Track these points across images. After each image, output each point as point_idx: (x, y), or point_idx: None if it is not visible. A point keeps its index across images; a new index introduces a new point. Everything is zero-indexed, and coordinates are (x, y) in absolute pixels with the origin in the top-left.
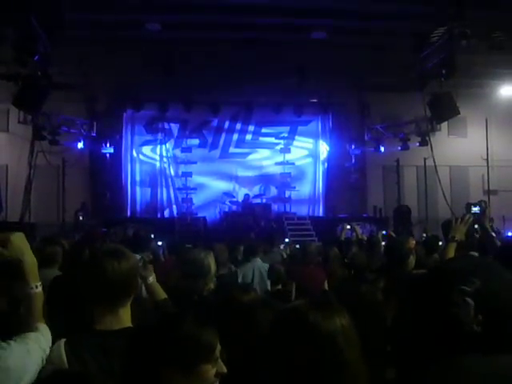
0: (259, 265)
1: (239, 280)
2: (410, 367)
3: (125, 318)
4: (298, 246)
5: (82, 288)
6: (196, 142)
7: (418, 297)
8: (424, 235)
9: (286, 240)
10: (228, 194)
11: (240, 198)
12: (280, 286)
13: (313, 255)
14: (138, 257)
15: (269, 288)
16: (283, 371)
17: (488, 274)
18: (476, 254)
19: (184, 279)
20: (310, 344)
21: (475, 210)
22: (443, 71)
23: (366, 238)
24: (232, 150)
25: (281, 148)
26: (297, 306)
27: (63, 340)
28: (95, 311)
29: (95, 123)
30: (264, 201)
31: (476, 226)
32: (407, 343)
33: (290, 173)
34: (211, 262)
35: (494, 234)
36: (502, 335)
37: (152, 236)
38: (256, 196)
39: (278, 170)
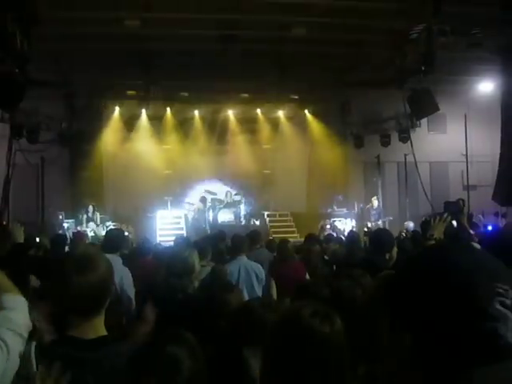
0: (245, 262)
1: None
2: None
3: (99, 326)
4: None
5: (52, 299)
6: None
7: (432, 304)
8: (404, 232)
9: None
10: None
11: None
12: None
13: (290, 252)
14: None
15: (255, 286)
16: (276, 371)
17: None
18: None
19: (169, 277)
20: (304, 347)
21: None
22: (422, 68)
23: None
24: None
25: None
26: (293, 310)
27: (33, 344)
28: (68, 319)
29: (74, 121)
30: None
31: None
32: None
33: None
34: (195, 260)
35: (472, 232)
36: None
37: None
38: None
39: None
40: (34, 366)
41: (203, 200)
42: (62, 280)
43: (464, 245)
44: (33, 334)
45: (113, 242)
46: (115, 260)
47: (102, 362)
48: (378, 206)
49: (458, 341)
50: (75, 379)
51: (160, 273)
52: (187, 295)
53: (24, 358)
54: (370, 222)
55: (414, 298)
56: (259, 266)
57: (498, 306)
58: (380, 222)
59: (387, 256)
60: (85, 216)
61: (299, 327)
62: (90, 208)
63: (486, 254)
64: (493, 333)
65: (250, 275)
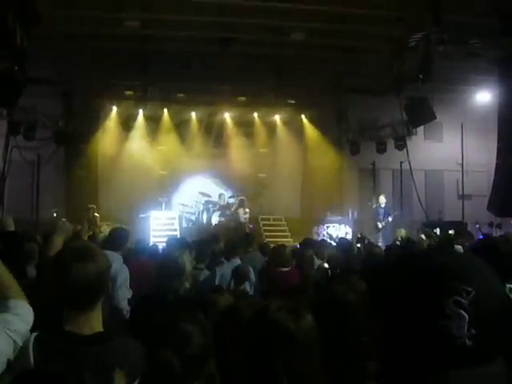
0: (238, 265)
1: (217, 280)
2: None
3: (95, 321)
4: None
5: (50, 290)
6: None
7: (399, 301)
8: (399, 239)
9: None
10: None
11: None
12: (243, 287)
13: (286, 257)
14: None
15: (247, 289)
16: (247, 364)
17: (481, 281)
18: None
19: (159, 278)
20: (271, 342)
21: None
22: (420, 76)
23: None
24: None
25: None
26: (262, 307)
27: (33, 335)
28: (65, 312)
29: (71, 119)
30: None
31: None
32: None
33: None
34: (186, 260)
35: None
36: (492, 348)
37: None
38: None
39: None
40: (32, 359)
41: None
42: (59, 268)
43: (444, 247)
44: None
45: (116, 239)
46: (116, 257)
47: (97, 357)
48: (386, 203)
49: (416, 340)
50: (71, 374)
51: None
52: (178, 296)
53: (22, 350)
54: (380, 221)
55: (388, 295)
56: (251, 269)
57: (452, 305)
58: (390, 219)
59: None
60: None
61: (265, 321)
62: (90, 210)
63: (464, 256)
64: (446, 332)
65: None
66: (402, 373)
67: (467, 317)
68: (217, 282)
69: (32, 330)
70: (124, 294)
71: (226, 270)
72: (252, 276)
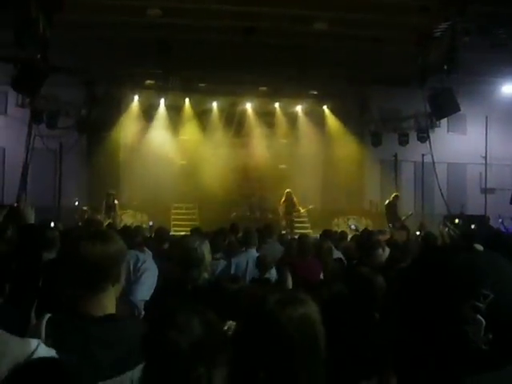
0: (254, 255)
1: (232, 270)
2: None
3: (107, 304)
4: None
5: (61, 269)
6: None
7: (413, 302)
8: (418, 232)
9: (283, 232)
10: None
11: None
12: (268, 275)
13: (309, 248)
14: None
15: None
16: (249, 357)
17: (501, 284)
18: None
19: (178, 269)
20: (267, 331)
21: None
22: (445, 67)
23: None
24: None
25: None
26: (260, 296)
27: (46, 317)
28: (76, 294)
29: (93, 108)
30: None
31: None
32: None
33: None
34: (205, 250)
35: None
36: (509, 352)
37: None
38: None
39: None
40: (44, 341)
41: None
42: (68, 247)
43: (463, 247)
44: None
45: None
46: (150, 256)
47: (108, 335)
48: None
49: (430, 345)
50: (82, 355)
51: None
52: (196, 287)
53: (34, 332)
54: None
55: (407, 296)
56: None
57: (469, 310)
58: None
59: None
60: (104, 204)
61: (262, 311)
62: (110, 196)
63: (483, 256)
64: (461, 336)
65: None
66: (416, 378)
67: (484, 321)
68: (232, 272)
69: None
70: (143, 295)
71: (241, 259)
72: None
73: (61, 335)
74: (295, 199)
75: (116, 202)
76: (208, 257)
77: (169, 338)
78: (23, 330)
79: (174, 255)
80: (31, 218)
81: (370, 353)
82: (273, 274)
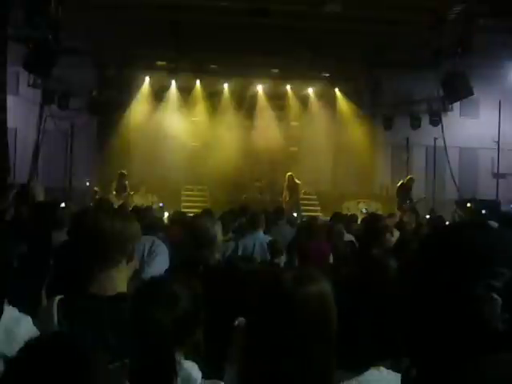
0: (261, 238)
1: (239, 252)
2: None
3: (119, 283)
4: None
5: (76, 246)
6: None
7: (427, 282)
8: (428, 216)
9: (294, 214)
10: None
11: None
12: (281, 260)
13: (318, 230)
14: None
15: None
16: (263, 335)
17: None
18: (495, 223)
19: (189, 249)
20: (284, 309)
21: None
22: (459, 50)
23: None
24: None
25: None
26: (275, 275)
27: (57, 298)
28: (89, 272)
29: (104, 89)
30: None
31: None
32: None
33: None
34: (217, 231)
35: None
36: None
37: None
38: None
39: None
40: (55, 320)
41: None
42: (78, 223)
43: (478, 224)
44: None
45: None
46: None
47: (120, 315)
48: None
49: (446, 325)
50: (95, 334)
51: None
52: (208, 267)
53: (45, 313)
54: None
55: (419, 276)
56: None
57: (485, 288)
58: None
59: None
60: (114, 185)
61: (277, 288)
62: (123, 177)
63: (498, 232)
64: (478, 316)
65: (264, 250)
66: (431, 359)
67: (500, 300)
68: (239, 254)
69: (59, 293)
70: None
71: (248, 242)
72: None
73: (73, 316)
74: (297, 181)
75: (127, 182)
76: (220, 237)
77: (152, 316)
78: (33, 308)
79: (186, 235)
80: (41, 196)
81: (383, 335)
82: (282, 259)
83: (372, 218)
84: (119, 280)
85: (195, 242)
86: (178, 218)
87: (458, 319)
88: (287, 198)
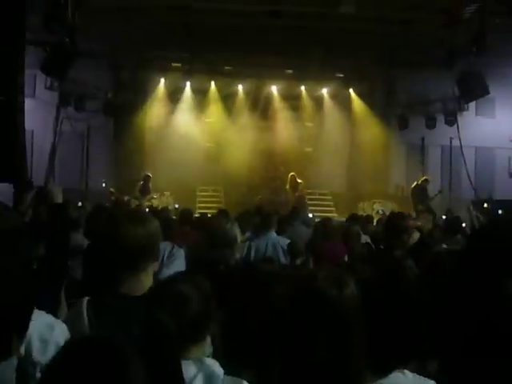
0: (273, 238)
1: (252, 253)
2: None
3: (146, 283)
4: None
5: (102, 252)
6: None
7: (476, 281)
8: (444, 217)
9: (310, 215)
10: None
11: None
12: (299, 262)
13: (332, 231)
14: None
15: (282, 261)
16: (295, 336)
17: None
18: None
19: (210, 249)
20: (318, 310)
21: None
22: (474, 49)
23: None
24: None
25: None
26: (308, 276)
27: (86, 299)
28: (117, 275)
29: (120, 91)
30: None
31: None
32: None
33: None
34: (237, 231)
35: None
36: None
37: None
38: None
39: None
40: (86, 321)
41: None
42: (109, 231)
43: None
44: None
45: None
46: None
47: None
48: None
49: (487, 324)
50: (125, 333)
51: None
52: (229, 267)
53: (76, 315)
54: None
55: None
56: (288, 241)
57: None
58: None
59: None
60: (139, 186)
61: (311, 288)
62: (147, 178)
63: None
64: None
65: (277, 250)
66: (465, 359)
67: None
68: (252, 254)
69: (84, 294)
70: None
71: (261, 242)
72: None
73: (103, 317)
74: (299, 180)
75: (151, 185)
76: (239, 237)
77: (158, 317)
78: (52, 310)
79: (206, 235)
80: (59, 198)
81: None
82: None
83: (396, 216)
84: (146, 280)
85: (216, 242)
86: (187, 217)
87: (496, 319)
88: (288, 198)
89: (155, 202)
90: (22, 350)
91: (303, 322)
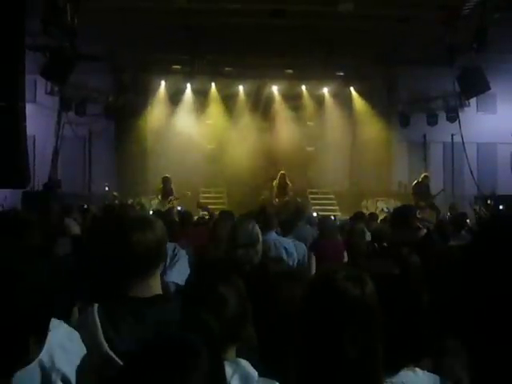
0: (274, 238)
1: None
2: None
3: (154, 286)
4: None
5: (110, 258)
6: None
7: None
8: (448, 213)
9: (314, 214)
10: None
11: None
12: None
13: (330, 229)
14: None
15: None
16: (313, 333)
17: None
18: None
19: (235, 249)
20: (338, 308)
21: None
22: (474, 45)
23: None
24: None
25: None
26: (326, 274)
27: (96, 305)
28: (125, 280)
29: (121, 94)
30: None
31: None
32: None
33: None
34: (259, 231)
35: None
36: None
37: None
38: None
39: None
40: (99, 326)
41: None
42: (119, 238)
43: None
44: None
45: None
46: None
47: (160, 316)
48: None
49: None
50: (137, 336)
51: (219, 245)
52: (254, 266)
53: (88, 322)
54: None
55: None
56: (289, 241)
57: None
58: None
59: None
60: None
61: (331, 289)
62: (168, 180)
63: None
64: None
65: (279, 250)
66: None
67: None
68: None
69: (92, 300)
70: (173, 278)
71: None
72: (289, 247)
73: (116, 321)
74: (288, 182)
75: (172, 186)
76: (261, 237)
77: (201, 319)
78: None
79: (229, 235)
80: (76, 230)
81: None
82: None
83: (400, 210)
84: (155, 283)
85: (241, 243)
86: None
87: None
88: (276, 199)
89: (175, 203)
90: (46, 358)
91: (329, 323)
